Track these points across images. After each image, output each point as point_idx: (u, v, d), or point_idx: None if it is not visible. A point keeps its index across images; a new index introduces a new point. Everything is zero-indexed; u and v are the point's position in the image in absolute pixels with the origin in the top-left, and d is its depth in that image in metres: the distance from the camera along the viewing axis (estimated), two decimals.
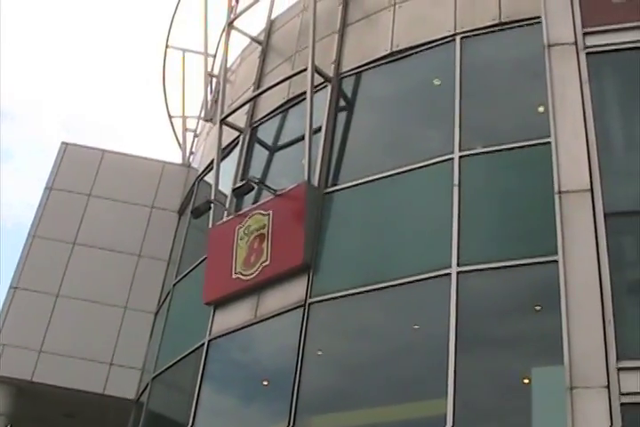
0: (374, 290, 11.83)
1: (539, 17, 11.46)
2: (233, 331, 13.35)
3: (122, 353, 17.01)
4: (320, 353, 12.26)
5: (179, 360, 14.68)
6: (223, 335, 13.49)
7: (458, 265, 11.16)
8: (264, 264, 13.04)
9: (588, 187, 9.65)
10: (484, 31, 13.35)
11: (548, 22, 11.11)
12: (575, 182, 9.73)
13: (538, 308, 10.83)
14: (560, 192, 9.71)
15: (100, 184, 18.80)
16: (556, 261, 9.49)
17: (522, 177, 11.76)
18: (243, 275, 13.30)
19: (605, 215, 9.53)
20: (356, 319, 12.27)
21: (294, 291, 12.60)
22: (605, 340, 8.86)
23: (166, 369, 15.17)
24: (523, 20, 12.90)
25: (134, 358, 16.95)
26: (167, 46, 21.84)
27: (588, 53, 10.71)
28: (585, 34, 10.86)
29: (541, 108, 11.42)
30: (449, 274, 11.15)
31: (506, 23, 13.19)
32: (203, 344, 13.68)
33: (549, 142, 10.24)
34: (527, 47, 12.46)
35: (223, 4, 18.84)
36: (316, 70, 14.27)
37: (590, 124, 10.11)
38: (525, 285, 11.07)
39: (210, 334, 13.66)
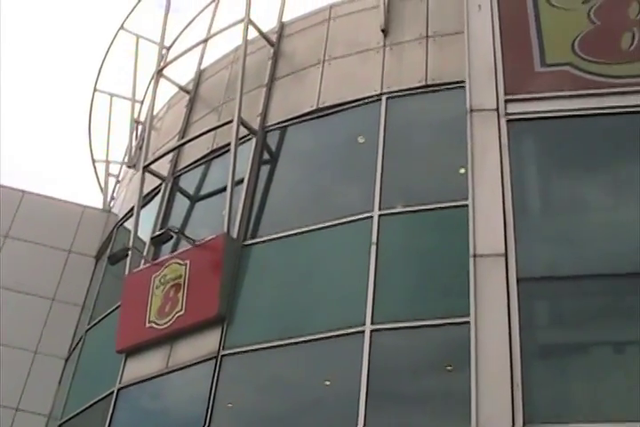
0: (288, 345, 11.78)
1: (464, 81, 11.69)
2: (143, 380, 13.16)
3: (29, 398, 16.66)
4: (230, 406, 12.16)
5: (87, 408, 14.43)
6: (133, 384, 13.30)
7: (372, 323, 11.18)
8: (178, 314, 12.95)
9: (503, 252, 9.81)
10: (409, 92, 13.60)
11: (472, 88, 11.35)
12: (490, 247, 9.88)
13: (449, 368, 10.89)
14: (475, 255, 9.85)
15: (17, 225, 18.52)
16: (468, 323, 9.59)
17: (439, 238, 11.88)
18: (156, 324, 13.18)
19: (518, 280, 9.69)
20: (268, 373, 12.19)
21: (207, 342, 12.51)
22: (513, 403, 8.95)
23: (74, 416, 14.89)
24: (448, 84, 13.16)
25: (42, 403, 16.61)
26: (95, 90, 21.77)
27: (508, 120, 10.96)
28: (507, 101, 11.13)
29: (462, 170, 11.53)
30: (362, 331, 11.15)
31: (432, 85, 13.45)
32: (112, 392, 13.47)
33: (468, 205, 10.43)
34: (451, 110, 12.66)
35: (154, 51, 18.91)
36: (242, 122, 14.32)
37: (508, 189, 10.31)
38: (438, 344, 11.13)
39: (120, 382, 13.47)
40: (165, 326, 13.04)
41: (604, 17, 11.94)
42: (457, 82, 12.53)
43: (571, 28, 11.90)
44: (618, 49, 11.57)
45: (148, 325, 13.30)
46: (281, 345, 11.84)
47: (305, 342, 11.65)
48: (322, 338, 11.52)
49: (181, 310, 12.95)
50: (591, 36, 11.74)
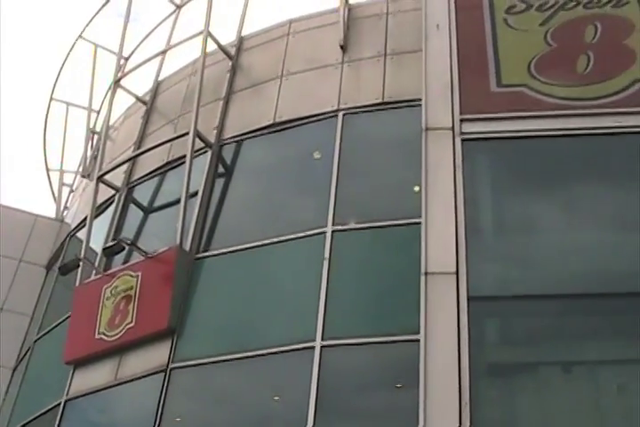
0: (238, 359, 11.72)
1: (420, 99, 11.76)
2: (91, 392, 13.05)
3: None
4: (179, 419, 12.07)
5: (33, 419, 14.26)
6: (81, 396, 13.18)
7: (322, 339, 11.15)
8: (128, 326, 12.85)
9: (454, 270, 9.87)
10: (366, 109, 13.65)
11: (428, 106, 11.44)
12: (441, 265, 9.94)
13: (399, 385, 10.89)
14: (426, 273, 9.91)
15: None
16: (418, 340, 9.63)
17: (392, 255, 11.89)
18: (106, 336, 13.07)
19: (469, 299, 9.75)
20: (217, 387, 12.14)
21: (157, 355, 12.42)
22: (461, 421, 8.99)
23: None
24: (405, 102, 13.20)
25: None
26: (51, 98, 21.64)
27: (463, 139, 11.05)
28: (462, 120, 11.23)
29: (417, 188, 11.57)
30: (313, 347, 11.12)
31: (388, 103, 13.50)
32: (59, 404, 13.35)
33: (420, 223, 10.48)
34: (407, 127, 12.69)
35: (112, 60, 18.84)
36: (198, 135, 14.29)
37: (461, 208, 10.39)
38: (388, 362, 11.11)
39: (67, 394, 13.35)
40: (115, 337, 12.93)
41: (561, 40, 12.10)
42: (413, 100, 12.58)
43: (527, 50, 12.04)
44: (573, 72, 11.71)
45: (97, 336, 13.19)
46: (231, 359, 11.78)
47: (255, 356, 11.59)
48: (272, 353, 11.48)
49: (132, 322, 12.86)
50: (547, 58, 11.88)
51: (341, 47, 14.63)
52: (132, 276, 13.38)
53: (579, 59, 11.83)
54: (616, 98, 11.31)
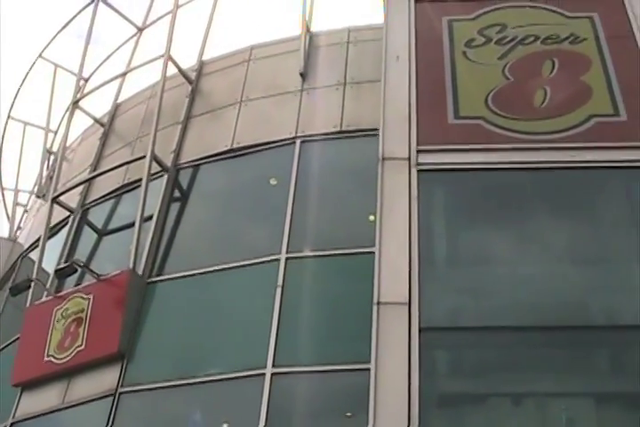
0: (188, 384, 11.64)
1: (378, 129, 11.81)
2: (39, 415, 12.90)
3: None
4: None
5: None
6: (28, 419, 13.02)
7: (273, 366, 11.12)
8: (78, 349, 12.73)
9: (406, 300, 9.88)
10: (324, 137, 13.70)
11: (385, 136, 11.48)
12: (394, 295, 9.94)
13: (349, 414, 10.86)
14: (379, 303, 9.90)
15: None
16: (369, 370, 9.62)
17: (345, 284, 11.90)
18: (55, 358, 12.94)
19: (420, 329, 9.75)
20: (166, 413, 12.02)
21: (106, 379, 12.29)
22: None
23: None
24: (362, 131, 13.27)
25: None
26: (9, 117, 21.53)
27: (419, 170, 11.10)
28: (419, 151, 11.28)
29: (372, 217, 11.59)
30: (263, 374, 11.09)
31: (346, 131, 13.56)
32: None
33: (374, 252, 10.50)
34: (364, 157, 12.75)
35: (71, 81, 18.78)
36: (155, 159, 14.24)
37: (415, 238, 10.41)
38: (338, 391, 11.09)
39: (14, 416, 13.17)
40: (64, 360, 12.81)
41: (519, 74, 12.21)
42: (371, 129, 12.61)
43: (485, 83, 12.14)
44: (530, 106, 11.82)
45: (46, 358, 13.06)
46: (181, 385, 11.69)
47: (205, 382, 11.54)
48: (222, 379, 11.42)
49: (82, 344, 12.75)
50: (505, 92, 11.98)
51: (301, 75, 14.70)
52: (83, 298, 13.27)
53: (536, 93, 11.94)
54: (571, 133, 11.42)
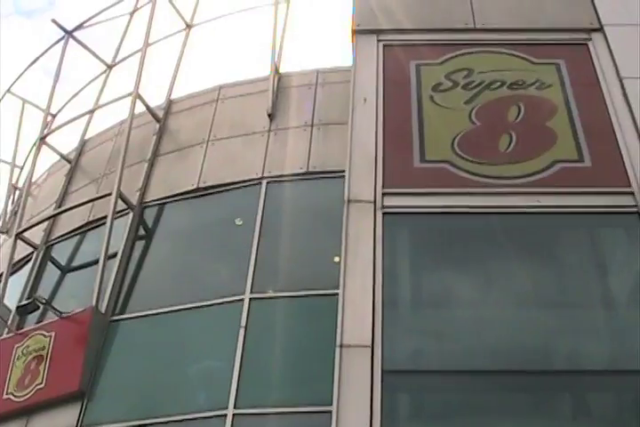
0: (148, 425, 11.55)
1: (344, 171, 11.85)
2: None
3: None
4: None
5: None
6: None
7: (235, 407, 11.06)
8: (38, 387, 12.60)
9: (369, 343, 9.86)
10: (290, 178, 13.73)
11: (351, 179, 11.52)
12: (357, 337, 9.92)
13: None
14: (342, 345, 9.87)
15: None
16: (331, 412, 9.58)
17: (309, 325, 11.90)
18: (14, 396, 12.79)
19: (383, 372, 9.73)
20: None
21: (65, 418, 12.15)
22: None
23: None
24: (329, 172, 13.34)
25: None
26: None
27: (384, 213, 11.13)
28: (384, 194, 11.33)
29: (337, 259, 11.60)
30: (225, 415, 11.01)
31: (312, 173, 13.61)
32: None
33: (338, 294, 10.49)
34: (330, 198, 12.76)
35: (39, 117, 18.75)
36: (121, 196, 14.21)
37: (379, 281, 10.42)
38: None
39: None
40: (23, 398, 12.66)
41: (485, 118, 12.31)
42: (337, 171, 12.66)
43: (452, 127, 12.22)
44: (495, 150, 11.90)
45: (5, 396, 12.90)
46: (141, 425, 11.59)
47: (166, 423, 11.43)
48: (183, 420, 11.34)
49: (42, 382, 12.62)
50: (471, 136, 12.07)
51: (269, 115, 14.75)
52: (44, 336, 13.16)
53: (501, 138, 12.03)
54: (536, 178, 11.51)
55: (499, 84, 12.79)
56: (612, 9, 13.91)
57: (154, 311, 12.78)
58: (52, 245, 15.70)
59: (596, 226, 11.50)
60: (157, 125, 15.87)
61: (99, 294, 13.11)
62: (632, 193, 11.32)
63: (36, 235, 15.78)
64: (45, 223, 15.84)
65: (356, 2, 14.27)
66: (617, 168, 11.67)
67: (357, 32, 13.72)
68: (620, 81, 12.70)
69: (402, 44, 13.58)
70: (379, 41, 13.55)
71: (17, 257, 15.67)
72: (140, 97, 15.78)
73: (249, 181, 13.89)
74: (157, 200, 14.56)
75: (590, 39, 13.52)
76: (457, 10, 14.11)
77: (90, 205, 15.04)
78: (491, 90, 12.73)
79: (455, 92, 12.73)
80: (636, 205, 11.19)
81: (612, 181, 11.54)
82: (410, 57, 13.29)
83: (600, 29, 13.57)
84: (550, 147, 11.94)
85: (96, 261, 13.69)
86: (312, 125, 14.32)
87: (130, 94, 15.87)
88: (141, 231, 14.42)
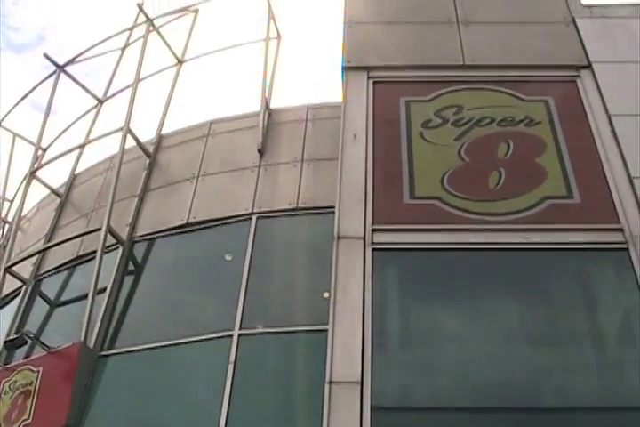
0: None
1: (334, 207, 11.88)
2: None
3: None
4: None
5: None
6: None
7: None
8: (25, 422, 12.50)
9: (359, 380, 9.83)
10: (280, 214, 13.76)
11: (341, 215, 11.54)
12: (346, 374, 9.89)
13: None
14: (331, 382, 9.84)
15: None
16: None
17: (298, 361, 11.86)
18: None
19: (372, 409, 9.70)
20: None
21: None
22: None
23: None
24: (318, 208, 13.37)
25: None
26: None
27: (374, 249, 11.15)
28: (374, 230, 11.35)
29: (326, 295, 11.60)
30: None
31: (302, 209, 13.64)
32: None
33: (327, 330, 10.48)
34: (320, 234, 12.80)
35: (30, 151, 18.76)
36: (110, 231, 14.20)
37: (368, 317, 10.42)
38: None
39: None
40: None
41: (474, 155, 12.35)
42: (327, 207, 12.69)
43: (441, 164, 12.26)
44: (485, 187, 11.93)
45: None
46: None
47: None
48: None
49: (28, 418, 12.53)
50: (460, 173, 12.10)
51: (259, 151, 14.79)
52: (32, 371, 13.09)
53: (490, 174, 12.07)
54: (525, 214, 11.55)
55: (488, 120, 12.85)
56: (600, 46, 14.02)
57: (143, 347, 12.71)
58: (41, 279, 15.66)
59: (586, 262, 11.50)
60: (148, 160, 15.90)
61: (87, 328, 13.07)
62: (621, 230, 11.37)
63: (26, 269, 15.73)
64: (35, 257, 15.80)
65: (346, 38, 14.34)
66: (606, 205, 11.72)
67: (348, 68, 13.78)
68: (609, 118, 12.78)
69: (392, 80, 13.66)
70: (369, 77, 13.61)
71: (5, 291, 15.61)
72: (130, 132, 15.80)
73: (239, 216, 13.91)
74: (147, 235, 14.56)
75: (579, 76, 13.61)
76: (447, 46, 14.20)
77: (79, 239, 15.02)
78: (480, 126, 12.79)
79: (445, 128, 12.79)
80: (624, 242, 11.23)
81: (601, 218, 11.59)
82: (400, 93, 13.36)
83: (589, 67, 13.67)
84: (539, 183, 11.98)
85: (85, 296, 13.65)
86: (302, 161, 14.37)
87: (120, 129, 15.88)
88: (131, 266, 14.39)
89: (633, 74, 13.41)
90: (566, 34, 14.36)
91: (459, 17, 14.68)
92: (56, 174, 17.87)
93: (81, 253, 15.04)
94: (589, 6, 15.06)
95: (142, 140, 16.17)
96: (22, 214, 17.54)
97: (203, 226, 14.14)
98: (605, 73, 13.48)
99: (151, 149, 16.08)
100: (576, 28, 14.41)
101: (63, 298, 15.20)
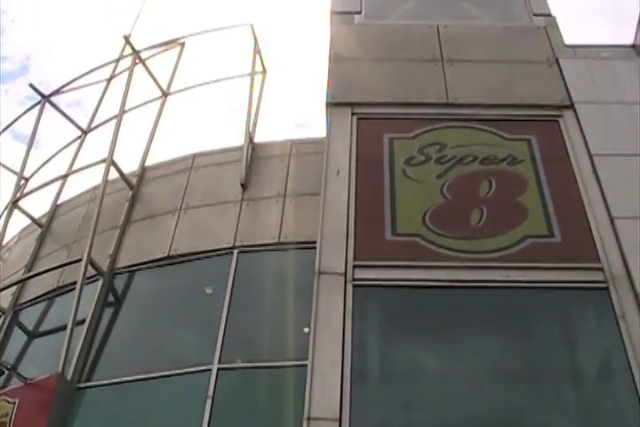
0: None
1: (316, 242, 11.88)
2: None
3: None
4: None
5: None
6: None
7: None
8: None
9: (337, 416, 9.79)
10: (262, 248, 13.78)
11: (322, 250, 11.54)
12: (325, 410, 9.84)
13: None
14: (309, 418, 9.80)
15: None
16: None
17: (277, 396, 11.82)
18: None
19: None
20: None
21: None
22: None
23: None
24: (300, 243, 13.40)
25: None
26: None
27: (355, 285, 11.15)
28: (355, 266, 11.35)
29: (306, 330, 11.58)
30: None
31: (284, 243, 13.66)
32: None
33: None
34: (301, 269, 12.85)
35: (12, 180, 18.74)
36: (91, 262, 14.16)
37: (348, 354, 10.39)
38: None
39: None
40: None
41: (456, 192, 12.39)
42: (309, 242, 12.69)
43: (424, 201, 12.29)
44: (466, 224, 11.96)
45: None
46: None
47: None
48: None
49: None
50: (442, 210, 12.14)
51: (242, 185, 14.83)
52: (8, 402, 13.00)
53: (472, 212, 12.11)
54: (506, 253, 11.57)
55: (471, 158, 12.91)
56: (582, 86, 14.13)
57: (121, 380, 12.65)
58: (20, 309, 15.58)
59: (566, 301, 11.51)
60: (130, 192, 15.90)
61: (65, 360, 12.98)
62: (601, 269, 11.41)
63: (5, 299, 15.66)
64: (14, 287, 15.73)
65: (331, 74, 14.40)
66: (587, 244, 11.77)
67: (332, 104, 13.82)
68: (590, 157, 12.86)
69: (376, 117, 13.71)
70: (353, 114, 13.66)
71: None
72: (114, 163, 15.80)
73: (220, 250, 13.92)
74: (128, 267, 14.53)
75: (561, 116, 13.70)
76: (431, 84, 14.28)
77: (60, 270, 14.96)
78: (463, 164, 12.84)
79: (428, 166, 12.83)
80: (605, 281, 11.26)
81: (582, 257, 11.63)
82: (383, 130, 13.42)
83: (571, 106, 13.76)
84: (521, 222, 12.02)
85: (64, 327, 13.57)
86: (285, 196, 14.41)
87: (104, 160, 15.88)
88: (111, 298, 14.34)
89: (615, 114, 13.54)
90: (550, 74, 14.47)
91: (443, 55, 14.77)
92: (38, 204, 17.87)
93: (61, 284, 14.99)
94: (573, 46, 15.22)
95: (125, 171, 16.18)
96: (3, 244, 17.47)
97: (184, 259, 14.15)
98: (588, 113, 13.58)
99: (134, 181, 16.09)
100: (559, 68, 14.52)
101: (41, 329, 15.13)
